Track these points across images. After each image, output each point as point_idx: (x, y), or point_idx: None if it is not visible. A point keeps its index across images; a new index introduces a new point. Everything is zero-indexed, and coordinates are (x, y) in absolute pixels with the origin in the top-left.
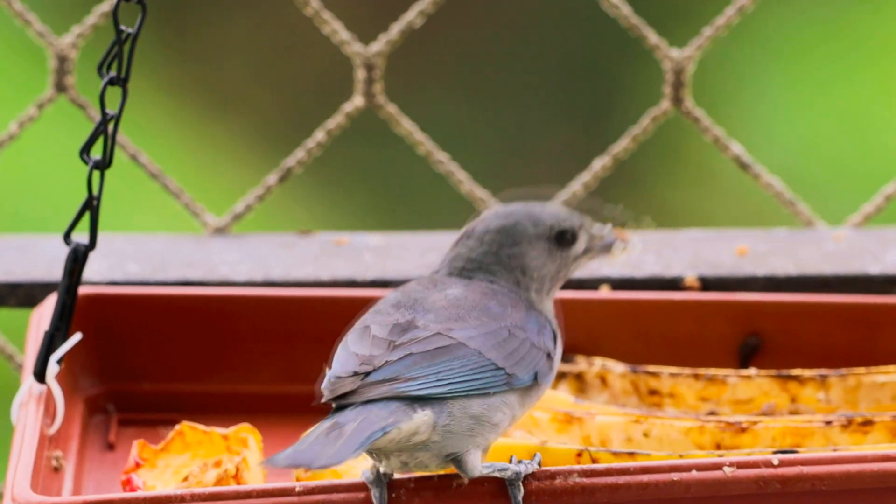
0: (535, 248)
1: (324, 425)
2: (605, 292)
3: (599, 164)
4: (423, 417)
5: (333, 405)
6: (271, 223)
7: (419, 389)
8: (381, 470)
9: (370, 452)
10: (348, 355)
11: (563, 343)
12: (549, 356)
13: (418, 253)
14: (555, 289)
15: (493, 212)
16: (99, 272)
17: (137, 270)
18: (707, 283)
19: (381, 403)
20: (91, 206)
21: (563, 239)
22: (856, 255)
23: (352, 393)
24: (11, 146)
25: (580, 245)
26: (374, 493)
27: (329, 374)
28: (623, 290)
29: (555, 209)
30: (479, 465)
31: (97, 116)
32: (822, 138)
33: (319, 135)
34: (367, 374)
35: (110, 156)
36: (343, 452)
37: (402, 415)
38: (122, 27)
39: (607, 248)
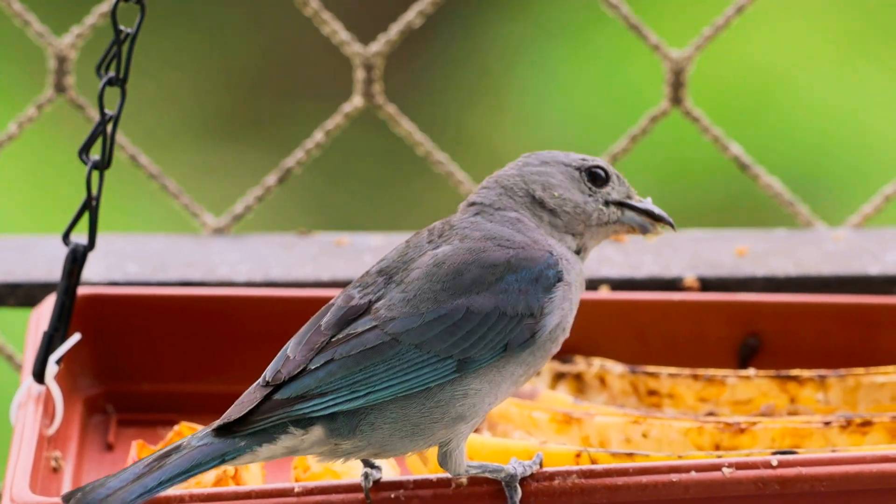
0: (561, 172)
1: (164, 450)
2: (604, 293)
3: None
4: (300, 437)
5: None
6: (271, 223)
7: (323, 408)
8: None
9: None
10: (280, 357)
11: (581, 278)
12: (533, 315)
13: None
14: (579, 229)
15: None
16: (99, 273)
17: (137, 271)
18: (707, 284)
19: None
20: (90, 207)
21: (594, 176)
22: (855, 255)
23: (252, 412)
24: (11, 146)
25: (613, 190)
26: (361, 473)
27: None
28: (623, 291)
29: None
30: (462, 462)
31: (97, 117)
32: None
33: (318, 135)
34: (276, 388)
35: (109, 156)
36: (134, 492)
37: (266, 438)
38: (121, 27)
39: (646, 218)
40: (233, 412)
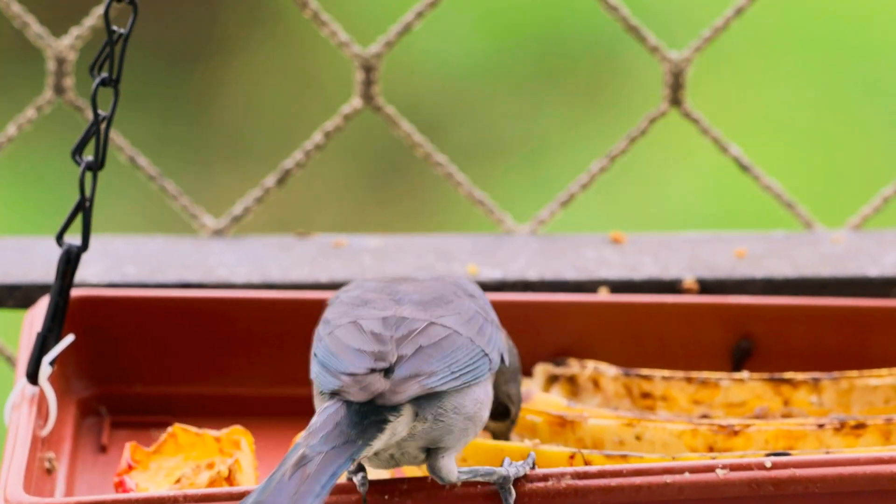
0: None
1: (289, 461)
2: (597, 295)
3: (598, 165)
4: (398, 418)
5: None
6: (270, 225)
7: (441, 384)
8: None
9: None
10: (352, 351)
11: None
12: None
13: (416, 255)
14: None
15: None
16: (97, 274)
17: (135, 272)
18: (705, 286)
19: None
20: (83, 208)
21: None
22: (854, 257)
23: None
24: (10, 147)
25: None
26: (356, 479)
27: (333, 368)
28: (621, 293)
29: None
30: (454, 469)
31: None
32: None
33: (318, 136)
34: (387, 370)
35: (102, 157)
36: (305, 497)
37: (377, 428)
38: (114, 28)
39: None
40: (359, 394)
